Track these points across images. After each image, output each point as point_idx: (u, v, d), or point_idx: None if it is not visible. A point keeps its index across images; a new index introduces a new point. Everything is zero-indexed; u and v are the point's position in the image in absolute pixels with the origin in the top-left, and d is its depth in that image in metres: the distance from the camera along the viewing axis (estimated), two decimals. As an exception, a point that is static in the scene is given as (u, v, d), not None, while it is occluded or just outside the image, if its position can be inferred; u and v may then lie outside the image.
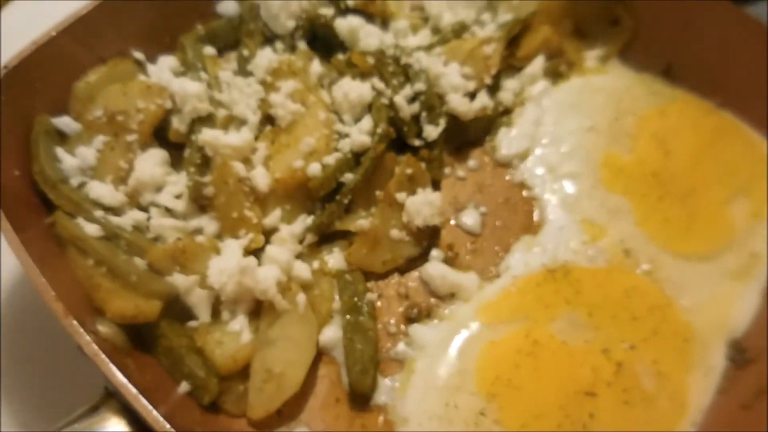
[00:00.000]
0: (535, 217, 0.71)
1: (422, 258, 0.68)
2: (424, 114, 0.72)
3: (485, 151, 0.76)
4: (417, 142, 0.72)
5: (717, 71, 0.76)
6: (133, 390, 0.49)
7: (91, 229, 0.62)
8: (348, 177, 0.66)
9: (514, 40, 0.80)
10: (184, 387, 0.59)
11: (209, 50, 0.77)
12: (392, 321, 0.65)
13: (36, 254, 0.56)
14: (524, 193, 0.73)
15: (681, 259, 0.67)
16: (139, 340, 0.61)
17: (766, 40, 0.71)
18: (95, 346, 0.51)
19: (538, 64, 0.80)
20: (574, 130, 0.75)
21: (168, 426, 0.50)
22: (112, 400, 0.52)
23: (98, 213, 0.63)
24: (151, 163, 0.67)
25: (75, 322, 0.52)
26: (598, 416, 0.57)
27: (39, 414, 0.63)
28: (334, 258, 0.67)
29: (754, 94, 0.73)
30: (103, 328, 0.57)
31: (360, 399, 0.61)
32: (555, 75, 0.81)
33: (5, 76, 0.63)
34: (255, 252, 0.65)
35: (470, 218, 0.71)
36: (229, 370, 0.60)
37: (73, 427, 0.51)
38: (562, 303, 0.63)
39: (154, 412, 0.49)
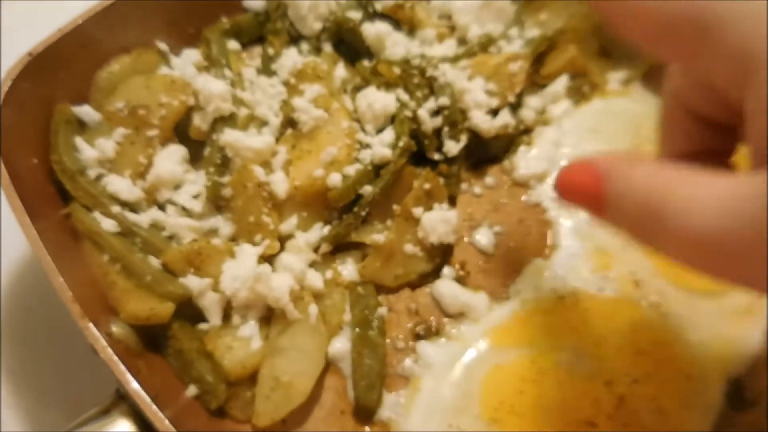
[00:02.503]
0: (548, 240, 0.71)
1: (434, 274, 0.68)
2: (446, 129, 0.71)
3: (503, 169, 0.75)
4: (437, 157, 0.71)
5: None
6: (147, 398, 0.50)
7: (108, 224, 0.62)
8: (367, 189, 0.66)
9: (539, 57, 0.79)
10: (192, 391, 0.59)
11: (233, 45, 0.76)
12: (400, 336, 0.66)
13: (51, 247, 0.56)
14: (539, 215, 0.72)
15: (688, 294, 0.67)
16: (149, 340, 0.61)
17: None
18: (110, 350, 0.51)
19: (561, 83, 0.79)
20: (593, 155, 0.75)
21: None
22: (123, 402, 0.53)
23: (115, 208, 0.63)
24: (170, 160, 0.67)
25: (91, 324, 0.52)
26: (597, 448, 0.59)
27: (46, 413, 0.64)
28: (347, 269, 0.67)
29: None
30: (116, 329, 0.57)
31: (365, 413, 0.62)
32: (577, 95, 0.80)
33: (29, 63, 0.62)
34: (269, 258, 0.65)
35: (484, 237, 0.71)
36: (238, 376, 0.60)
37: (83, 428, 0.51)
38: (569, 332, 0.64)
39: (166, 421, 0.50)
